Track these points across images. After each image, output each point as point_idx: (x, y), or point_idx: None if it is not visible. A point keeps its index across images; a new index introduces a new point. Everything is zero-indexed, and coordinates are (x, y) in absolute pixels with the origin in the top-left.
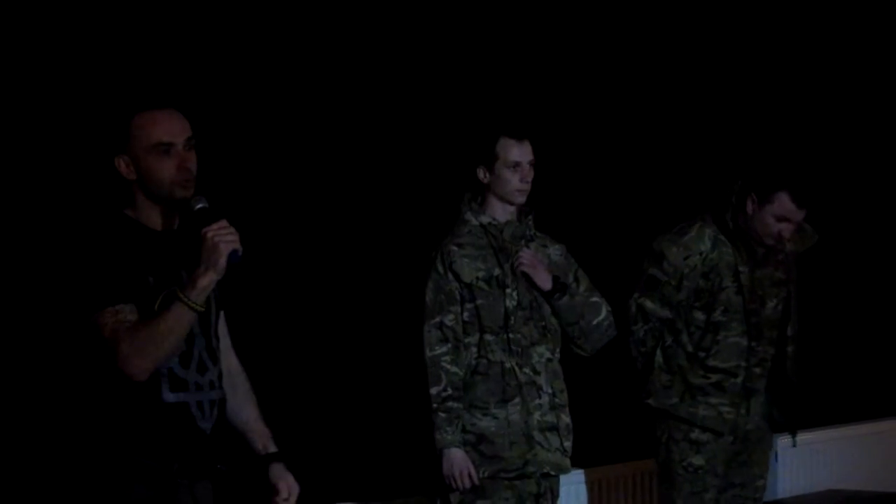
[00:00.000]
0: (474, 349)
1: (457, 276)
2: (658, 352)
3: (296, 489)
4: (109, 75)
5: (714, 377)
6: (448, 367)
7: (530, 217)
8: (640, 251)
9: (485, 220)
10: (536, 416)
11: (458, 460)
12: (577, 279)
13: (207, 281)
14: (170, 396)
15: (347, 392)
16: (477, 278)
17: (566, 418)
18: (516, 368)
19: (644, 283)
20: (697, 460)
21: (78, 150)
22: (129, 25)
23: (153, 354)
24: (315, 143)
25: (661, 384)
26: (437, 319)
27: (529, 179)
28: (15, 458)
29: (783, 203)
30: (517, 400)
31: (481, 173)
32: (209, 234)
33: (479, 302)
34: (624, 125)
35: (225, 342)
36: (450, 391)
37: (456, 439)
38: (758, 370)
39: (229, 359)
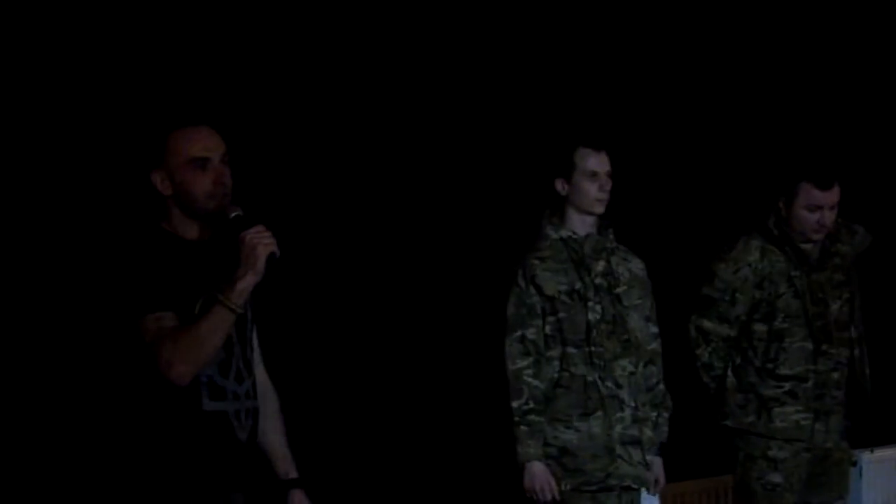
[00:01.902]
0: (557, 362)
1: (539, 290)
2: (729, 372)
3: None
4: (148, 92)
5: (786, 385)
6: (530, 380)
7: (611, 230)
8: (696, 272)
9: (565, 233)
10: (618, 429)
11: (539, 474)
12: (651, 306)
13: (247, 283)
14: (209, 405)
15: (432, 405)
16: (559, 292)
17: (649, 432)
18: (598, 382)
19: (699, 303)
20: (776, 478)
21: (119, 166)
22: (165, 45)
23: (195, 358)
24: (395, 159)
25: (736, 404)
26: (519, 333)
27: (607, 189)
28: (53, 464)
29: (807, 192)
30: (599, 413)
31: (560, 185)
32: (247, 238)
33: (561, 315)
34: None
35: (257, 355)
36: (531, 405)
37: (537, 453)
38: (835, 375)
39: (260, 374)
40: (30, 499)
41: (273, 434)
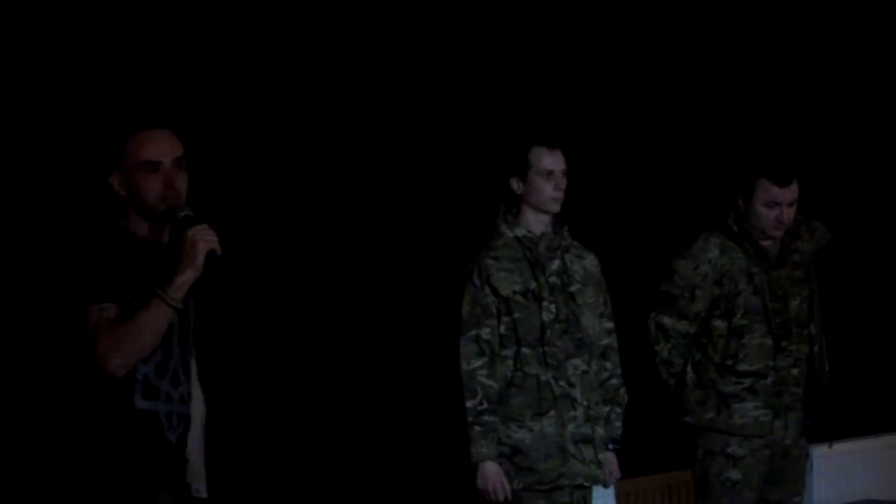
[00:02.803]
0: (510, 362)
1: (494, 290)
2: (688, 368)
3: None
4: (112, 93)
5: (745, 381)
6: (484, 380)
7: (565, 228)
8: (655, 268)
9: (520, 232)
10: (571, 428)
11: (492, 474)
12: (605, 302)
13: (185, 278)
14: (141, 403)
15: (383, 404)
16: (514, 292)
17: (601, 430)
18: (552, 381)
19: (658, 300)
20: (734, 475)
21: (80, 166)
22: (127, 46)
23: (130, 350)
24: (347, 157)
25: (695, 400)
26: (474, 333)
27: (563, 188)
28: None
29: (765, 188)
30: (552, 413)
31: (515, 184)
32: (189, 234)
33: (515, 315)
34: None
35: (193, 366)
36: (486, 405)
37: (491, 453)
38: (794, 371)
39: (194, 384)
40: None
41: (193, 446)
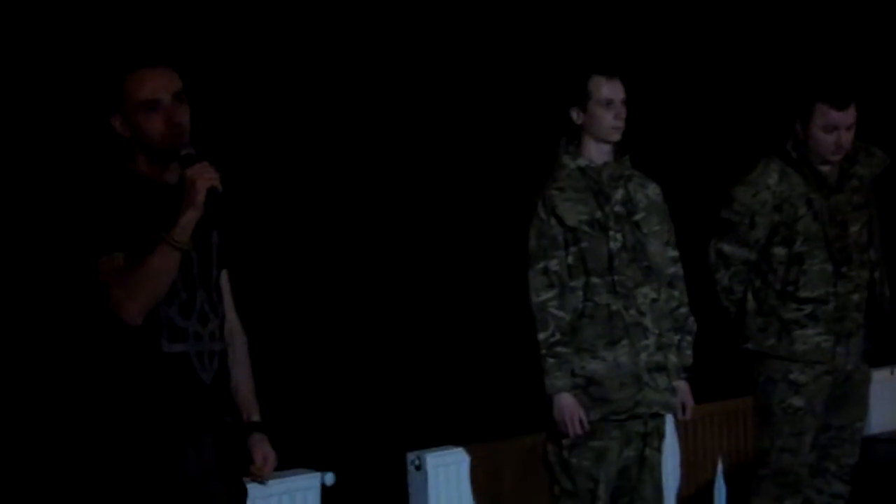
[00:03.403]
0: (580, 292)
1: (560, 221)
2: (749, 295)
3: (272, 459)
4: (110, 36)
5: (807, 308)
6: (555, 311)
7: (627, 157)
8: (715, 196)
9: (582, 162)
10: (644, 356)
11: (568, 405)
12: (669, 230)
13: (188, 218)
14: (169, 347)
15: (458, 340)
16: (580, 221)
17: (673, 357)
18: (623, 310)
19: (719, 227)
20: (797, 401)
21: (83, 110)
22: None
23: (142, 296)
24: (410, 88)
25: (756, 327)
26: (542, 265)
27: (623, 116)
28: (16, 413)
29: (823, 112)
30: (625, 342)
31: (575, 114)
32: (188, 173)
33: (583, 245)
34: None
35: (227, 301)
36: (558, 336)
37: (566, 384)
38: (855, 297)
39: (231, 320)
40: None
41: (239, 377)
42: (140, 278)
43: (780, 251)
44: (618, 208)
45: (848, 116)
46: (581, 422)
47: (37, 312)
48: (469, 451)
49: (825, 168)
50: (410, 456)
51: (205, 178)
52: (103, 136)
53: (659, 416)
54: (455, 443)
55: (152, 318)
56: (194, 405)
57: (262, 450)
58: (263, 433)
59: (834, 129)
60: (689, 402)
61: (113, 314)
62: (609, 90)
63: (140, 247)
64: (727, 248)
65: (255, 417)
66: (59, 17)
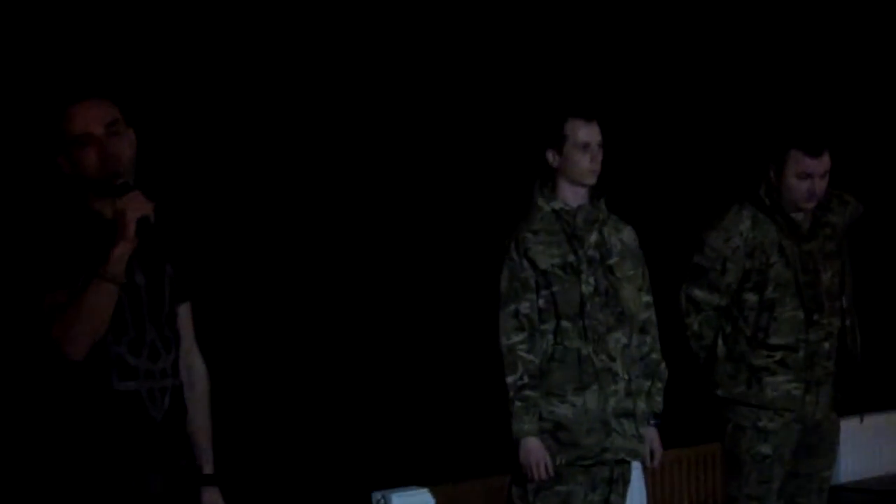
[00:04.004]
0: (550, 336)
1: (532, 264)
2: (719, 341)
3: None
4: (53, 70)
5: (777, 355)
6: (524, 355)
7: (602, 200)
8: (686, 240)
9: (557, 205)
10: (612, 402)
11: (535, 450)
12: (643, 275)
13: (120, 250)
14: (120, 384)
15: (426, 382)
16: (552, 265)
17: (642, 404)
18: (593, 355)
19: (690, 272)
20: (765, 449)
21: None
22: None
23: (80, 333)
24: (382, 129)
25: (726, 373)
26: (513, 307)
27: (599, 160)
28: None
29: (797, 159)
30: (594, 387)
31: (551, 156)
32: (118, 204)
33: (554, 289)
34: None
35: (187, 337)
36: (526, 379)
37: (533, 428)
38: (826, 345)
39: (191, 356)
40: None
41: (196, 421)
42: (76, 315)
43: (751, 297)
44: (591, 252)
45: (822, 164)
46: (546, 467)
47: None
48: (434, 492)
49: (798, 215)
50: (376, 495)
51: (134, 208)
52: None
53: (625, 463)
54: (420, 483)
55: (102, 356)
56: (144, 443)
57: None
58: (215, 486)
59: (808, 176)
60: (658, 449)
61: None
62: (586, 133)
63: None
64: (698, 293)
65: (208, 469)
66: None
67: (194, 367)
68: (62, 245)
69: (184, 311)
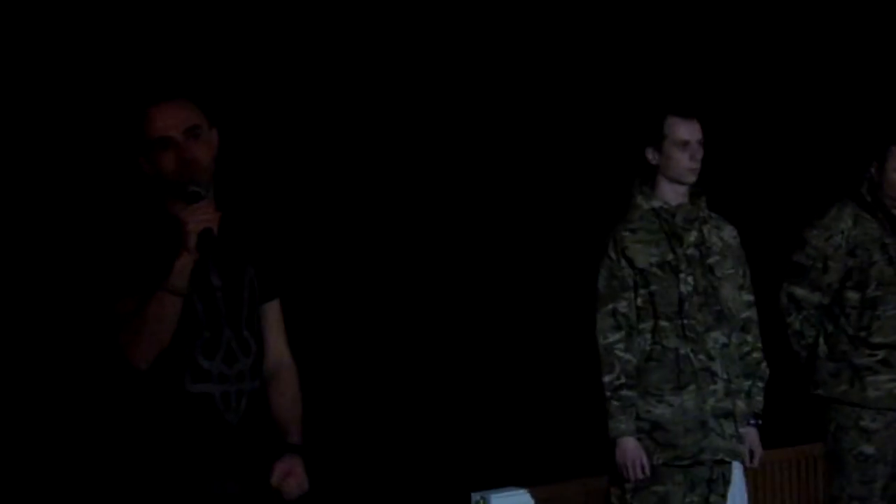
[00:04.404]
0: (648, 335)
1: (630, 262)
2: (820, 340)
3: (296, 477)
4: (133, 71)
5: (879, 353)
6: (621, 354)
7: (703, 198)
8: (788, 239)
9: (656, 204)
10: (711, 402)
11: (631, 450)
12: (745, 274)
13: (182, 263)
14: (192, 387)
15: (524, 380)
16: (650, 263)
17: (741, 404)
18: (691, 355)
19: (791, 271)
20: (868, 449)
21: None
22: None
23: (144, 344)
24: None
25: (828, 373)
26: (611, 306)
27: (699, 158)
28: (39, 449)
29: None
30: (692, 387)
31: (650, 154)
32: (181, 216)
33: (653, 287)
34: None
35: (274, 334)
36: (623, 379)
37: (629, 428)
38: None
39: (279, 353)
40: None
41: (281, 405)
42: (140, 325)
43: (852, 296)
44: (691, 251)
45: None
46: (643, 467)
47: (64, 351)
48: (533, 493)
49: None
50: (475, 496)
51: (196, 220)
52: (140, 176)
53: (725, 463)
54: (519, 484)
55: (175, 359)
56: (218, 447)
57: (287, 465)
58: (298, 455)
59: None
60: (758, 450)
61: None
62: (685, 131)
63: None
64: (799, 291)
65: (294, 440)
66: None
67: (283, 360)
68: (135, 252)
69: (271, 310)
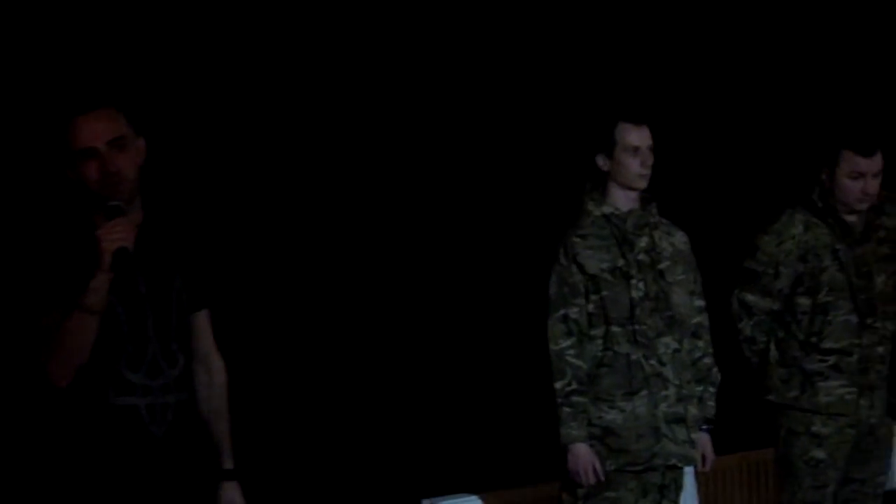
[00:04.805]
0: (600, 341)
1: (581, 268)
2: (772, 346)
3: None
4: (61, 77)
5: (830, 359)
6: (573, 360)
7: (653, 204)
8: (739, 245)
9: (607, 209)
10: (663, 407)
11: (583, 456)
12: (695, 279)
13: (97, 281)
14: (117, 400)
15: (473, 388)
16: (602, 269)
17: (693, 409)
18: (643, 360)
19: (742, 276)
20: (819, 454)
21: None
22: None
23: (61, 360)
24: (428, 136)
25: (779, 378)
26: (562, 312)
27: (649, 164)
28: None
29: (849, 159)
30: (644, 392)
31: (601, 160)
32: (97, 234)
33: (604, 293)
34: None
35: (206, 343)
36: (574, 385)
37: (581, 434)
38: (880, 349)
39: (210, 358)
40: None
41: (218, 425)
42: (58, 342)
43: (804, 301)
44: (641, 256)
45: (874, 163)
46: (596, 472)
47: None
48: (484, 499)
49: (851, 218)
50: (425, 503)
51: (111, 238)
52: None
53: (677, 469)
54: (470, 490)
55: (99, 371)
56: (142, 459)
57: (228, 498)
58: (234, 480)
59: (860, 175)
60: (710, 455)
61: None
62: (636, 137)
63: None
64: (750, 297)
65: (228, 465)
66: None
67: (213, 366)
68: (59, 264)
69: (200, 320)
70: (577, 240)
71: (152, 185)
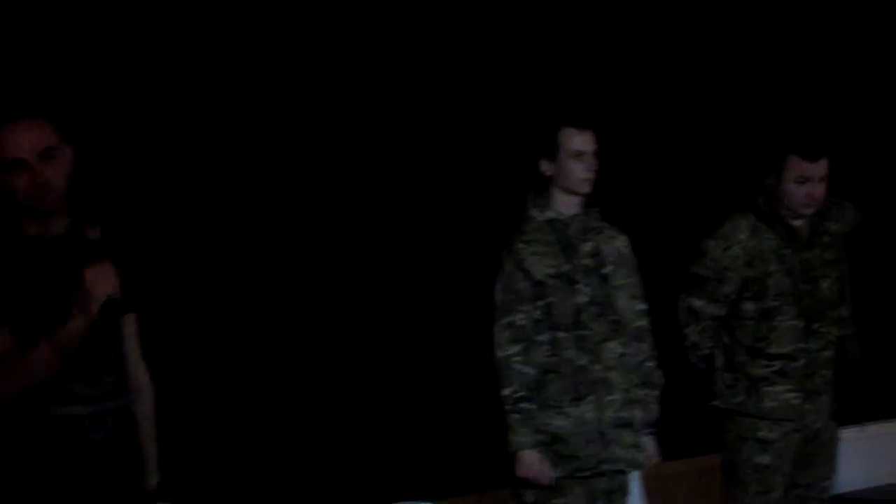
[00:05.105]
0: (546, 347)
1: (527, 274)
2: (718, 351)
3: None
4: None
5: (776, 364)
6: (520, 367)
7: (597, 209)
8: (685, 250)
9: (550, 215)
10: (609, 412)
11: (533, 462)
12: (637, 283)
13: (78, 325)
14: (58, 410)
15: (423, 396)
16: (547, 275)
17: (639, 413)
18: (589, 366)
19: (689, 282)
20: (765, 459)
21: None
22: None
23: (15, 385)
24: (373, 139)
25: (724, 384)
26: (508, 319)
27: (594, 169)
28: None
29: (795, 164)
30: (590, 398)
31: (545, 165)
32: (87, 276)
33: (549, 299)
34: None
35: (133, 351)
36: (522, 392)
37: (529, 441)
38: (825, 354)
39: (137, 370)
40: None
41: (142, 439)
42: (14, 368)
43: (749, 307)
44: (586, 261)
45: (819, 168)
46: (546, 478)
47: None
48: None
49: (797, 223)
50: None
51: (103, 286)
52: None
53: (623, 473)
54: (420, 497)
55: (43, 385)
56: (84, 466)
57: None
58: (162, 500)
59: (806, 180)
60: (655, 458)
61: None
62: (580, 142)
63: (27, 310)
64: (697, 303)
65: (153, 483)
66: None
67: (140, 381)
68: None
69: (128, 324)
70: (523, 246)
71: (79, 191)
